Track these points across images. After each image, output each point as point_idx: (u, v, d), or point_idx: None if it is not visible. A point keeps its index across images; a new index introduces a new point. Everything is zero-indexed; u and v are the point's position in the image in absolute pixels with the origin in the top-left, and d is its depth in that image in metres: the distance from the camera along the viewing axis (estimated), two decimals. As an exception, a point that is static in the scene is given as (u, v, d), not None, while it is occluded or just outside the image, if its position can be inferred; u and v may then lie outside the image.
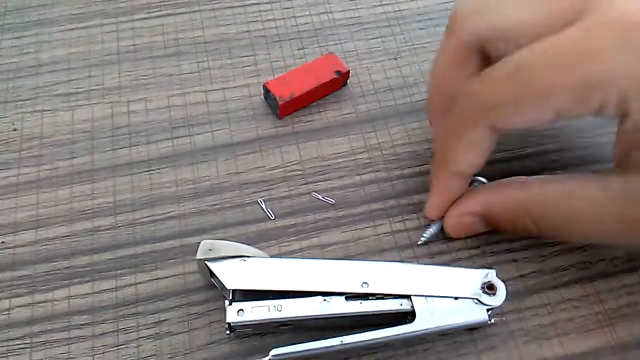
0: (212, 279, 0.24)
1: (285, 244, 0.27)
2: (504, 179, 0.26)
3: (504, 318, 0.25)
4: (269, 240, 0.27)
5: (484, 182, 0.27)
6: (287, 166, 0.29)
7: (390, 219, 0.28)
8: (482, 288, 0.23)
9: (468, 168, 0.24)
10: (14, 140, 0.30)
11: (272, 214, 0.28)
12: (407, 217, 0.28)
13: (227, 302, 0.22)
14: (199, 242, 0.26)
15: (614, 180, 0.21)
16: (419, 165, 0.29)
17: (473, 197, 0.25)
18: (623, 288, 0.26)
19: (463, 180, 0.25)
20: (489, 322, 0.23)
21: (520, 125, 0.22)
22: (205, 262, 0.22)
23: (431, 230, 0.26)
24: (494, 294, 0.23)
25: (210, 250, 0.22)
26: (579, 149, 0.30)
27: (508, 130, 0.22)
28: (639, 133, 0.20)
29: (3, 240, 0.27)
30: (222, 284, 0.22)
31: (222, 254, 0.22)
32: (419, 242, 0.27)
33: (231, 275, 0.22)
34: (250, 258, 0.23)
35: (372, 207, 0.28)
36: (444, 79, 0.25)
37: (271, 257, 0.24)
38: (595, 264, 0.26)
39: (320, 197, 0.27)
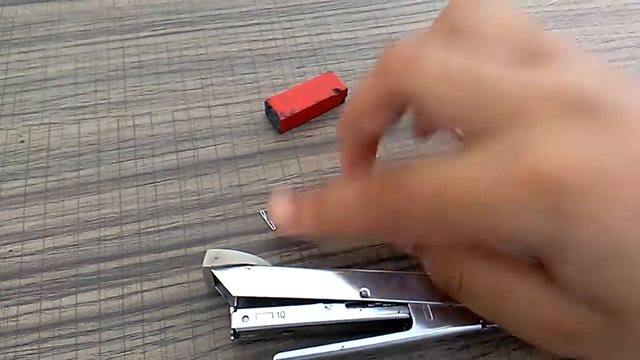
0: (216, 287, 0.25)
1: (287, 254, 0.28)
2: None
3: (495, 325, 0.26)
4: (271, 250, 0.28)
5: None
6: (288, 179, 0.30)
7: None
8: None
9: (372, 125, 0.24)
10: (22, 152, 0.30)
11: (273, 225, 0.29)
12: (403, 229, 0.29)
13: (232, 308, 0.23)
14: (203, 252, 0.27)
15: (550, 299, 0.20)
16: (414, 180, 0.30)
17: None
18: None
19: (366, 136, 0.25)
20: (482, 329, 0.24)
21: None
22: (211, 270, 0.23)
23: None
24: None
25: (216, 258, 0.23)
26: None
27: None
28: (551, 270, 0.19)
29: (11, 249, 0.27)
30: (228, 291, 0.23)
31: (228, 263, 0.23)
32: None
33: (236, 282, 0.23)
34: (255, 266, 0.24)
35: (370, 219, 0.29)
36: (361, 118, 0.24)
37: (274, 266, 0.25)
38: (581, 275, 0.27)
39: (265, 217, 0.28)
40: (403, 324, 0.23)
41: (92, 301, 0.26)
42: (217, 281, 0.24)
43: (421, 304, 0.24)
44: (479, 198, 0.18)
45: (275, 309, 0.23)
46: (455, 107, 0.20)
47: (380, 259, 0.28)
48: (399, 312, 0.23)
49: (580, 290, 0.19)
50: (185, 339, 0.25)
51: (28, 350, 0.24)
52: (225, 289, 0.23)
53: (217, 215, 0.29)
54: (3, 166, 0.30)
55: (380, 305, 0.24)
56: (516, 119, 0.18)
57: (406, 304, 0.24)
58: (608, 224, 0.17)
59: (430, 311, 0.23)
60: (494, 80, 0.19)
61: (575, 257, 0.18)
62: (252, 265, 0.24)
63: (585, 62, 0.20)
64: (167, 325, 0.25)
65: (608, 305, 0.18)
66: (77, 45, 0.35)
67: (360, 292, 0.23)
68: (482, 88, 0.19)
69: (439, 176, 0.19)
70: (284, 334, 0.24)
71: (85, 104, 0.32)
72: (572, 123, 0.17)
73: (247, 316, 0.23)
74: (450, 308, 0.24)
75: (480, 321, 0.23)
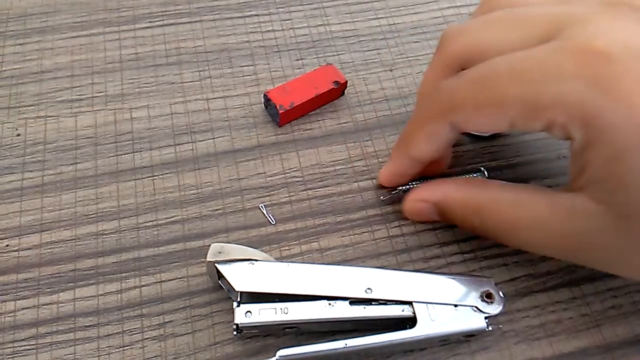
0: (220, 281, 0.25)
1: (286, 248, 0.28)
2: (469, 177, 0.29)
3: (500, 326, 0.26)
4: (270, 244, 0.28)
5: (485, 174, 0.29)
6: (287, 173, 0.30)
7: (387, 224, 0.29)
8: (481, 296, 0.24)
9: (423, 155, 0.26)
10: (18, 145, 0.30)
11: (272, 218, 0.28)
12: (403, 223, 0.29)
13: (235, 303, 0.23)
14: (202, 246, 0.27)
15: (562, 197, 0.22)
16: (414, 173, 0.30)
17: (434, 186, 0.27)
18: (608, 291, 0.27)
19: (417, 164, 0.27)
20: (487, 329, 0.23)
21: (478, 128, 0.24)
22: (215, 264, 0.23)
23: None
24: (491, 303, 0.24)
25: (219, 253, 0.23)
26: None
27: (467, 130, 0.24)
28: (581, 158, 0.21)
29: (7, 243, 0.27)
30: (231, 286, 0.23)
31: (231, 257, 0.23)
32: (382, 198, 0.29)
33: (240, 277, 0.23)
34: (259, 261, 0.24)
35: (370, 213, 0.29)
36: (429, 89, 0.27)
37: (278, 261, 0.24)
38: (582, 268, 0.27)
39: (265, 211, 0.28)
40: (407, 323, 0.23)
41: (91, 296, 0.26)
42: (220, 275, 0.24)
43: (425, 303, 0.23)
44: (532, 66, 0.20)
45: (279, 305, 0.23)
46: (511, 34, 0.22)
47: (380, 253, 0.28)
48: (403, 311, 0.23)
49: (601, 185, 0.20)
50: (185, 334, 0.25)
51: (26, 345, 0.24)
52: (229, 283, 0.23)
53: (216, 209, 0.28)
54: (-1, 160, 0.29)
55: (384, 303, 0.23)
56: (567, 25, 0.21)
57: (410, 303, 0.23)
58: (635, 113, 0.18)
59: (434, 310, 0.23)
60: (536, 10, 0.22)
61: (606, 139, 0.19)
62: (256, 260, 0.24)
63: None
64: (166, 320, 0.25)
65: (619, 208, 0.20)
66: (73, 37, 0.35)
67: (365, 290, 0.23)
68: (524, 15, 0.22)
69: (493, 64, 0.22)
70: (286, 330, 0.24)
71: (82, 96, 0.32)
72: (619, 15, 0.20)
73: (250, 311, 0.23)
74: (455, 307, 0.23)
75: (485, 320, 0.23)
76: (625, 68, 0.19)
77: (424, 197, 0.27)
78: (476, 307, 0.23)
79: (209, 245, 0.24)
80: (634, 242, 0.20)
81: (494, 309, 0.23)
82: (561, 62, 0.20)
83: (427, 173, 0.28)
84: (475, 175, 0.29)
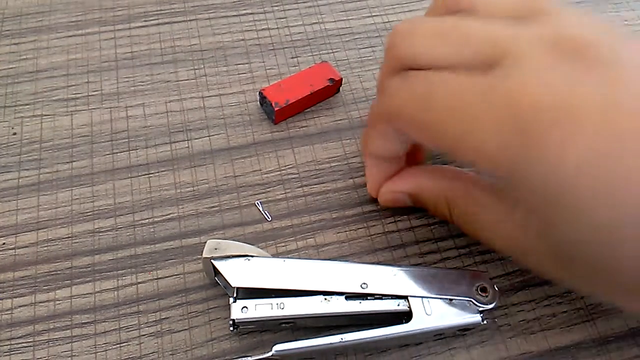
0: (216, 277, 0.25)
1: (282, 244, 0.28)
2: (444, 166, 0.28)
3: (495, 320, 0.26)
4: (266, 240, 0.28)
5: None
6: (283, 170, 0.30)
7: (383, 220, 0.29)
8: (476, 290, 0.24)
9: (386, 153, 0.26)
10: (14, 144, 0.30)
11: (269, 215, 0.28)
12: (398, 219, 0.29)
13: (231, 299, 0.23)
14: (198, 243, 0.27)
15: (516, 208, 0.22)
16: (409, 169, 0.30)
17: (406, 176, 0.27)
18: (602, 285, 0.27)
19: (388, 162, 0.27)
20: (481, 323, 0.24)
21: (417, 142, 0.24)
22: (211, 260, 0.23)
23: None
24: (486, 297, 0.24)
25: (216, 249, 0.23)
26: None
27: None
28: (509, 194, 0.22)
29: (4, 242, 0.27)
30: (227, 282, 0.23)
31: (228, 253, 0.23)
32: None
33: (236, 273, 0.23)
34: (255, 257, 0.24)
35: (365, 209, 0.29)
36: (380, 86, 0.26)
37: (273, 257, 0.24)
38: (577, 262, 0.28)
39: (261, 208, 0.28)
40: (402, 317, 0.23)
41: (87, 293, 0.26)
42: (216, 272, 0.24)
43: (421, 297, 0.24)
44: (464, 105, 0.20)
45: (275, 300, 0.23)
46: (448, 54, 0.21)
47: (376, 249, 0.28)
48: (398, 305, 0.23)
49: (529, 226, 0.21)
50: (182, 330, 0.25)
51: (23, 343, 0.24)
52: (225, 279, 0.23)
53: (212, 207, 0.29)
54: (-5, 159, 0.30)
55: (380, 297, 0.24)
56: (508, 57, 0.19)
57: (406, 297, 0.23)
58: (563, 165, 0.17)
59: (429, 304, 0.23)
60: (487, 28, 0.21)
61: (530, 191, 0.19)
62: (252, 256, 0.24)
63: (582, 15, 0.20)
64: (163, 317, 0.25)
65: (550, 240, 0.20)
66: (69, 36, 0.35)
67: (360, 285, 0.23)
68: (473, 34, 0.21)
69: (431, 81, 0.22)
70: (283, 325, 0.24)
71: (78, 95, 0.32)
72: (560, 62, 0.18)
73: (246, 307, 0.23)
74: (450, 302, 0.24)
75: (480, 314, 0.23)
76: (550, 118, 0.17)
77: (397, 188, 0.27)
78: (471, 301, 0.24)
79: (205, 242, 0.24)
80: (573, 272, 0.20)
81: (489, 303, 0.24)
82: (488, 109, 0.19)
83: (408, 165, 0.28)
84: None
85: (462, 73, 0.21)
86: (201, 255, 0.24)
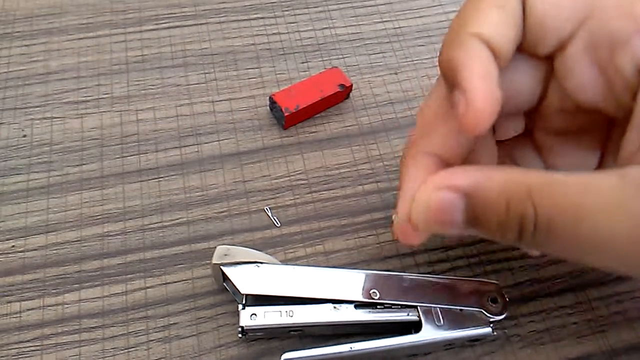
0: (225, 284, 0.25)
1: (291, 250, 0.28)
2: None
3: (505, 331, 0.26)
4: (275, 247, 0.28)
5: None
6: (292, 175, 0.30)
7: (392, 227, 0.29)
8: (486, 300, 0.24)
9: (493, 32, 0.19)
10: (24, 147, 0.30)
11: (277, 221, 0.28)
12: (408, 226, 0.29)
13: (240, 306, 0.23)
14: (207, 248, 0.27)
15: (632, 169, 0.17)
16: (419, 177, 0.30)
17: (460, 169, 0.19)
18: (613, 296, 0.27)
19: (488, 50, 0.19)
20: (492, 334, 0.23)
21: None
22: (221, 266, 0.23)
23: None
24: (497, 307, 0.24)
25: (225, 255, 0.23)
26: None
27: None
28: None
29: (13, 244, 0.27)
30: (236, 289, 0.23)
31: (237, 260, 0.23)
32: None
33: (245, 280, 0.23)
34: (264, 264, 0.24)
35: (375, 217, 0.29)
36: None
37: (283, 264, 0.24)
38: (587, 273, 0.27)
39: (270, 214, 0.28)
40: (412, 327, 0.23)
41: (96, 297, 0.26)
42: (225, 278, 0.24)
43: (431, 307, 0.23)
44: (616, 244, 0.16)
45: (284, 308, 0.23)
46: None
47: (384, 257, 0.28)
48: (408, 315, 0.23)
49: None
50: (190, 336, 0.25)
51: (31, 347, 0.24)
52: (234, 286, 0.23)
53: (222, 212, 0.28)
54: (5, 161, 0.30)
55: (390, 307, 0.23)
56: None
57: (416, 307, 0.23)
58: None
59: (440, 315, 0.23)
60: None
61: None
62: (261, 262, 0.24)
63: None
64: (171, 322, 0.25)
65: None
66: (80, 38, 0.35)
67: (370, 293, 0.23)
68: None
69: (578, 203, 0.17)
70: (291, 333, 0.24)
71: (88, 98, 0.32)
72: None
73: (255, 314, 0.23)
74: (460, 312, 0.23)
75: (490, 325, 0.23)
76: None
77: (450, 182, 0.18)
78: (481, 311, 0.23)
79: (214, 248, 0.24)
80: None
81: (499, 314, 0.23)
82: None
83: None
84: None
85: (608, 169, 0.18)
86: (210, 260, 0.24)
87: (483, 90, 0.18)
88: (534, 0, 0.19)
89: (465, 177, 0.18)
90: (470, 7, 0.19)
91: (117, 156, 0.30)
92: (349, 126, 0.32)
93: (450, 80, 0.19)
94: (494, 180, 0.18)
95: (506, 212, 0.18)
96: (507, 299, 0.24)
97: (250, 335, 0.23)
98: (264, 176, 0.30)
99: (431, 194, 0.18)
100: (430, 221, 0.19)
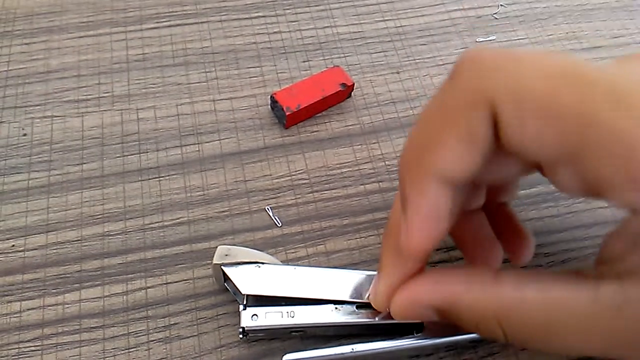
0: (225, 284, 0.24)
1: (292, 250, 0.27)
2: (468, 267, 0.23)
3: None
4: (276, 246, 0.27)
5: None
6: (294, 175, 0.30)
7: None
8: None
9: (455, 171, 0.18)
10: (24, 145, 0.30)
11: (279, 221, 0.28)
12: (409, 226, 0.28)
13: (241, 306, 0.23)
14: (208, 248, 0.27)
15: (607, 289, 0.17)
16: (421, 176, 0.30)
17: (433, 282, 0.20)
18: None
19: (451, 193, 0.18)
20: None
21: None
22: (222, 267, 0.23)
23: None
24: None
25: (226, 255, 0.23)
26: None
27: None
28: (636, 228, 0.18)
29: (13, 243, 0.27)
30: (237, 289, 0.23)
31: (238, 260, 0.23)
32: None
33: (246, 280, 0.23)
34: (265, 264, 0.23)
35: (376, 216, 0.29)
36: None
37: (284, 264, 0.24)
38: (590, 274, 0.27)
39: (271, 214, 0.28)
40: (414, 328, 0.23)
41: (96, 297, 0.26)
42: (226, 278, 0.24)
43: None
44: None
45: (285, 309, 0.23)
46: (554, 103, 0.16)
47: (386, 257, 0.27)
48: None
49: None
50: (190, 336, 0.25)
51: (31, 347, 0.24)
52: (235, 286, 0.23)
53: (222, 211, 0.28)
54: (5, 159, 0.29)
55: None
56: None
57: None
58: None
59: None
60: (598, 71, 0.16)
61: None
62: (262, 263, 0.24)
63: None
64: (172, 322, 0.25)
65: None
66: (80, 37, 0.34)
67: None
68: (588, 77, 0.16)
69: (548, 323, 0.18)
70: (292, 333, 0.24)
71: (89, 97, 0.32)
72: None
73: (256, 315, 0.23)
74: None
75: None
76: None
77: (420, 298, 0.20)
78: None
79: (215, 248, 0.24)
80: None
81: None
82: None
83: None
84: None
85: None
86: (211, 260, 0.24)
87: (422, 232, 0.18)
88: (510, 133, 0.17)
89: (434, 294, 0.20)
90: (434, 132, 0.18)
91: (118, 155, 0.30)
92: (351, 125, 0.32)
93: (402, 201, 0.19)
94: (463, 301, 0.19)
95: (477, 329, 0.20)
96: None
97: (251, 336, 0.23)
98: (265, 175, 0.30)
99: (407, 306, 0.20)
100: (405, 318, 0.21)
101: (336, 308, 0.23)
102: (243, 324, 0.22)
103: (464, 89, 0.17)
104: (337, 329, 0.23)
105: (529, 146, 0.17)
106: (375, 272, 0.24)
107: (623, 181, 0.15)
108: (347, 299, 0.23)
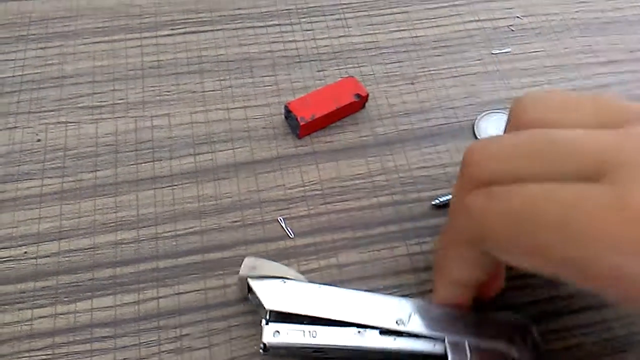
0: (249, 295, 0.24)
1: (304, 262, 0.27)
2: None
3: None
4: (288, 258, 0.27)
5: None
6: (307, 186, 0.30)
7: (407, 241, 0.28)
8: (514, 339, 0.23)
9: (463, 278, 0.23)
10: (38, 151, 0.30)
11: (291, 232, 0.28)
12: (423, 240, 0.28)
13: (263, 321, 0.22)
14: (220, 258, 0.27)
15: None
16: (435, 189, 0.30)
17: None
18: (630, 316, 0.26)
19: (463, 287, 0.23)
20: None
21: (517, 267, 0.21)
22: (248, 279, 0.23)
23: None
24: (525, 347, 0.23)
25: (253, 267, 0.23)
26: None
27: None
28: None
29: (26, 250, 0.27)
30: (261, 303, 0.22)
31: (264, 273, 0.23)
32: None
33: (271, 295, 0.23)
34: (290, 280, 0.23)
35: (389, 229, 0.29)
36: (457, 206, 0.23)
37: (309, 281, 0.24)
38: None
39: (283, 225, 0.27)
40: (437, 359, 0.23)
41: (108, 306, 0.25)
42: (250, 290, 0.23)
43: (459, 340, 0.22)
44: (581, 220, 0.17)
45: (307, 328, 0.22)
46: (547, 167, 0.19)
47: (399, 271, 0.27)
48: (434, 346, 0.22)
49: None
50: (202, 348, 0.25)
51: (42, 355, 0.24)
52: (259, 300, 0.23)
53: (235, 221, 0.28)
54: (19, 165, 0.29)
55: (416, 336, 0.23)
56: (619, 168, 0.17)
57: (443, 339, 0.22)
58: None
59: (467, 349, 0.22)
60: (588, 139, 0.19)
61: None
62: (288, 278, 0.23)
63: None
64: (184, 333, 0.25)
65: None
66: (95, 42, 0.34)
67: (396, 320, 0.23)
68: (577, 146, 0.19)
69: (531, 194, 0.19)
70: (314, 354, 0.23)
71: (103, 103, 0.32)
72: None
73: (278, 331, 0.22)
74: (489, 350, 0.22)
75: None
76: None
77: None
78: (509, 352, 0.22)
79: (228, 258, 0.24)
80: None
81: (528, 354, 0.22)
82: (625, 225, 0.16)
83: (480, 295, 0.25)
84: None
85: (570, 183, 0.18)
86: (223, 271, 0.24)
87: (445, 301, 0.24)
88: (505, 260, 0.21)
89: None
90: (449, 250, 0.23)
91: (132, 163, 0.30)
92: (364, 136, 0.32)
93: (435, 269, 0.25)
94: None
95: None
96: (540, 340, 0.23)
97: (272, 352, 0.23)
98: (278, 186, 0.30)
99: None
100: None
101: (359, 332, 0.22)
102: (265, 340, 0.22)
103: (460, 231, 0.22)
104: (359, 353, 0.23)
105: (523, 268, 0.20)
106: (402, 298, 0.24)
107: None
108: (371, 323, 0.22)
